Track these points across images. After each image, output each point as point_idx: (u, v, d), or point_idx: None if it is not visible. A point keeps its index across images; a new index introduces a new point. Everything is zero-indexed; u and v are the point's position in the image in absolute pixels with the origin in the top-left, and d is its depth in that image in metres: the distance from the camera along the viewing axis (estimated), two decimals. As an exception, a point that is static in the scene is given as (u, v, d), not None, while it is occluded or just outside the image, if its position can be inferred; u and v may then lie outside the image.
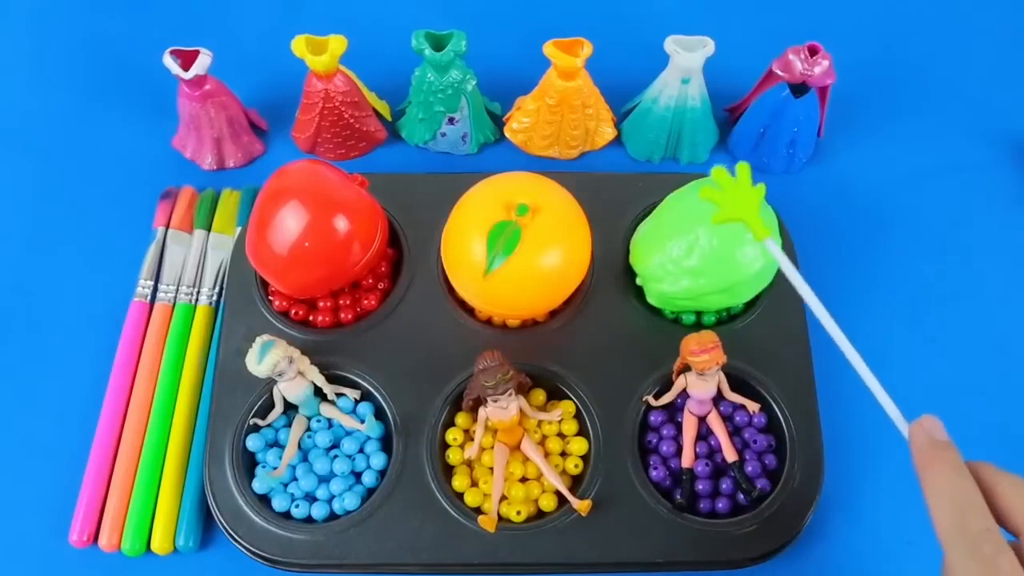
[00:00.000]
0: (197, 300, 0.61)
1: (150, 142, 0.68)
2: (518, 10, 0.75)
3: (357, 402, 0.55)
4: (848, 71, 0.64)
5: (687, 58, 0.61)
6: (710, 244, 0.52)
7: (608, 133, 0.67)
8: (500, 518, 0.51)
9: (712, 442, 0.53)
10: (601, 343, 0.56)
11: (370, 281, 0.58)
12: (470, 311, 0.57)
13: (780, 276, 0.55)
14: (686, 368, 0.52)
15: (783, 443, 0.53)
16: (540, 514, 0.52)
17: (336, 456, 0.53)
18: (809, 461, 0.52)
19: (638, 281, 0.57)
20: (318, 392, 0.54)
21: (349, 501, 0.52)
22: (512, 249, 0.51)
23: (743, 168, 0.47)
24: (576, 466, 0.53)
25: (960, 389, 0.58)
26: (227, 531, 0.51)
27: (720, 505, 0.52)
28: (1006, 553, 0.34)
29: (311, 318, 0.57)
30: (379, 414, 0.55)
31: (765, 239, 0.48)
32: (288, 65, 0.64)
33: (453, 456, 0.53)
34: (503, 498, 0.52)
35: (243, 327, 0.56)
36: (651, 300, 0.57)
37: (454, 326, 0.57)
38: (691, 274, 0.53)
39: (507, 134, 0.67)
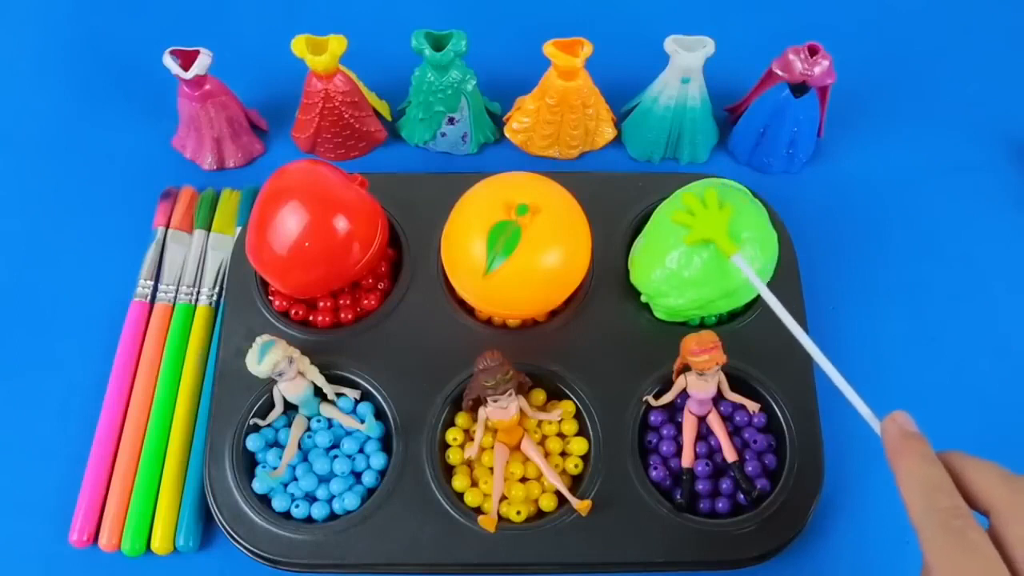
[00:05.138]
0: (197, 300, 0.61)
1: (150, 142, 0.68)
2: (518, 10, 0.75)
3: (357, 402, 0.55)
4: (848, 71, 0.64)
5: (687, 58, 0.60)
6: (708, 250, 0.52)
7: (608, 133, 0.67)
8: (500, 518, 0.51)
9: (712, 442, 0.53)
10: (601, 343, 0.56)
11: (370, 281, 0.58)
12: (470, 311, 0.57)
13: (777, 275, 0.55)
14: (686, 368, 0.52)
15: (783, 443, 0.53)
16: (540, 514, 0.52)
17: (336, 456, 0.53)
18: (809, 461, 0.52)
19: (643, 299, 0.57)
20: (318, 392, 0.54)
21: (349, 501, 0.52)
22: (512, 249, 0.51)
23: (710, 192, 0.53)
24: (576, 466, 0.53)
25: (960, 389, 0.58)
26: (227, 531, 0.51)
27: (720, 505, 0.52)
28: (975, 528, 0.35)
29: (311, 318, 0.57)
30: (379, 414, 0.55)
31: (732, 256, 0.50)
32: (288, 65, 0.64)
33: (453, 456, 0.53)
34: (503, 498, 0.52)
35: (243, 327, 0.56)
36: (660, 315, 0.56)
37: (454, 326, 0.57)
38: (694, 284, 0.53)
39: (507, 134, 0.67)
